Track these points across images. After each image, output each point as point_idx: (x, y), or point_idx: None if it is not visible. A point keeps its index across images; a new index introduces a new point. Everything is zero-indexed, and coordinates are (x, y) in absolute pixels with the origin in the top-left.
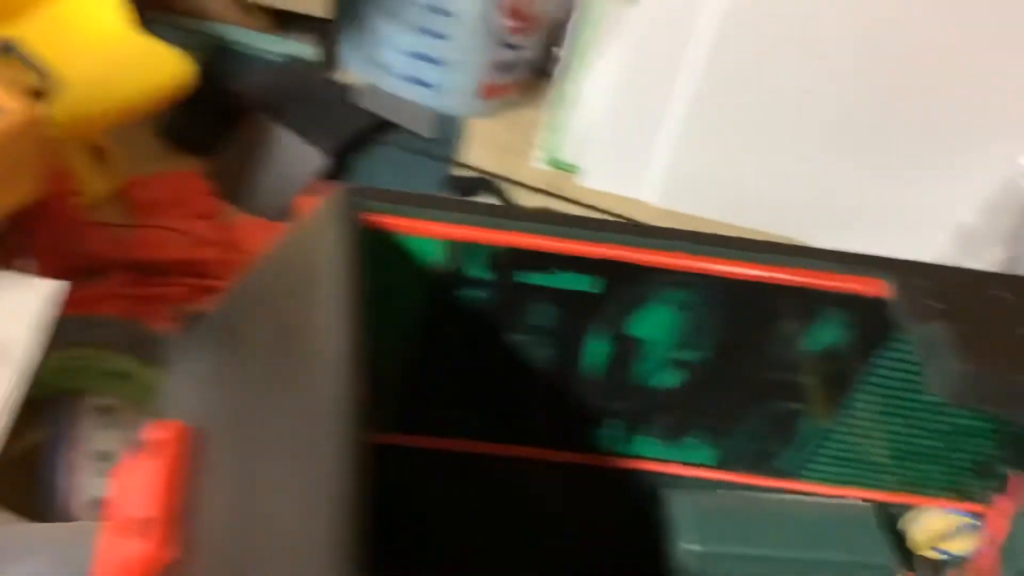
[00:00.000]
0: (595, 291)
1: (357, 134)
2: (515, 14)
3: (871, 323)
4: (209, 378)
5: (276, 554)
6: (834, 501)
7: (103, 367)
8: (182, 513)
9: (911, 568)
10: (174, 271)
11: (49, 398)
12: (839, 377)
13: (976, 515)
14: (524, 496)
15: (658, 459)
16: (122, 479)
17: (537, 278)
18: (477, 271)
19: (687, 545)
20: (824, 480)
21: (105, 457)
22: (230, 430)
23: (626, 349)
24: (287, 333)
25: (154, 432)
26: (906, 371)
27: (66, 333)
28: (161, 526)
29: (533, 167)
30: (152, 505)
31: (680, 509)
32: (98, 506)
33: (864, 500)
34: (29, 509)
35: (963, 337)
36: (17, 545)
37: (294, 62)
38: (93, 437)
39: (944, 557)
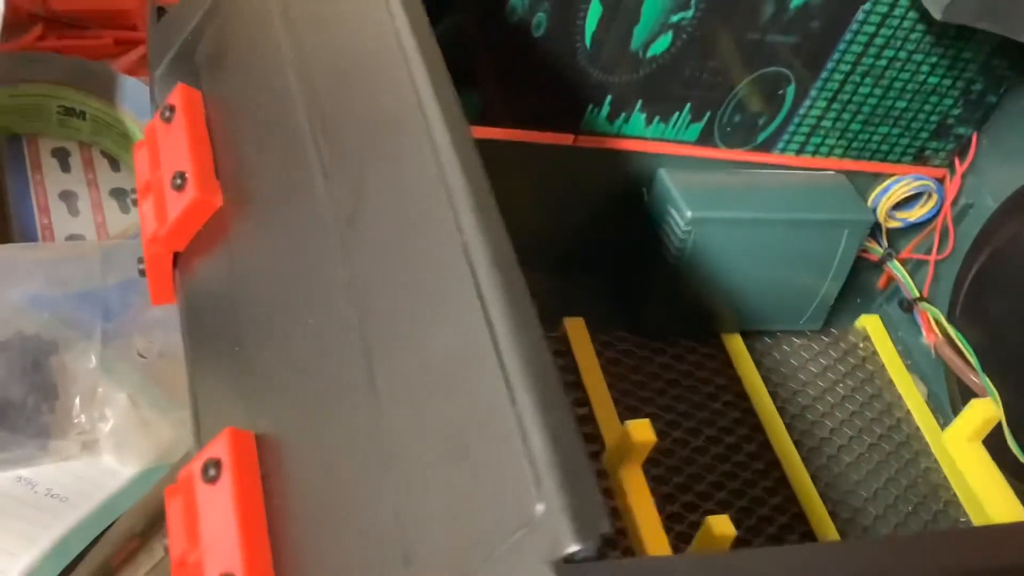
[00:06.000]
0: None
1: None
2: None
3: None
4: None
5: None
6: (809, 172)
7: (58, 105)
8: (216, 163)
9: (874, 239)
10: (92, 23)
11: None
12: (824, 35)
13: (937, 180)
14: (511, 179)
15: (647, 138)
16: (151, 147)
17: None
18: None
19: (679, 213)
20: (799, 152)
21: (69, 197)
22: None
23: (623, 12)
24: None
25: (177, 96)
26: (888, 25)
27: (11, 69)
28: (200, 175)
29: None
30: (187, 159)
31: (670, 185)
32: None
33: (836, 171)
34: None
35: None
36: (12, 264)
37: None
38: (56, 179)
39: (901, 224)
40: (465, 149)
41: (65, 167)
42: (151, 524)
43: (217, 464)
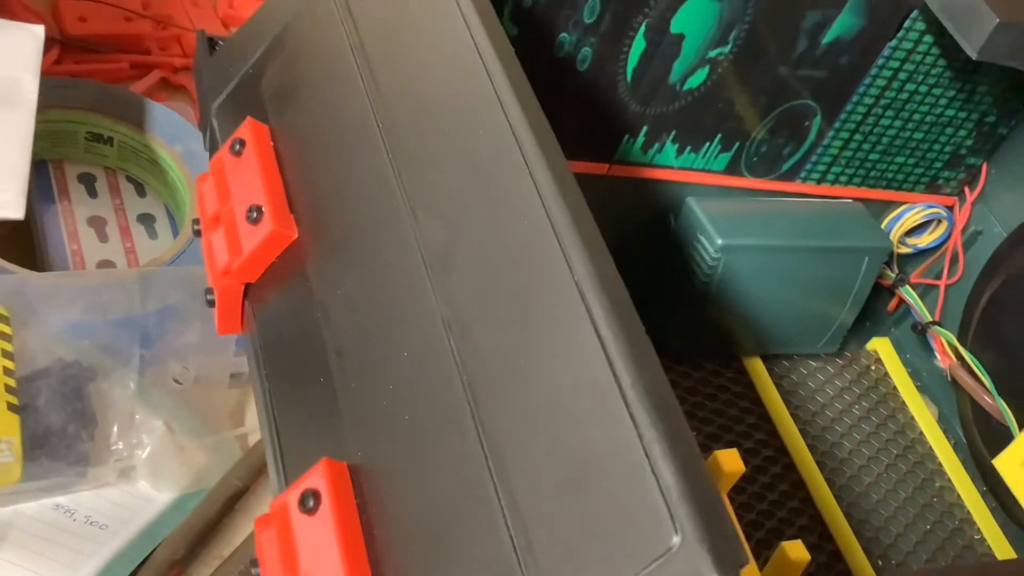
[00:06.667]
0: None
1: None
2: None
3: (884, 8)
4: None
5: None
6: (828, 200)
7: (85, 131)
8: (289, 196)
9: (886, 264)
10: (107, 47)
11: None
12: (852, 70)
13: (947, 208)
14: None
15: (677, 167)
16: (219, 180)
17: None
18: None
19: (709, 240)
20: (820, 181)
21: (97, 222)
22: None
23: (665, 47)
24: None
25: (246, 130)
26: (912, 60)
27: (40, 95)
28: (276, 209)
29: None
30: (262, 193)
31: (699, 213)
32: (107, 268)
33: (852, 199)
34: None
35: None
36: (53, 292)
37: None
38: (83, 205)
39: (911, 250)
40: (568, 186)
41: (92, 193)
42: (190, 550)
43: (316, 495)
